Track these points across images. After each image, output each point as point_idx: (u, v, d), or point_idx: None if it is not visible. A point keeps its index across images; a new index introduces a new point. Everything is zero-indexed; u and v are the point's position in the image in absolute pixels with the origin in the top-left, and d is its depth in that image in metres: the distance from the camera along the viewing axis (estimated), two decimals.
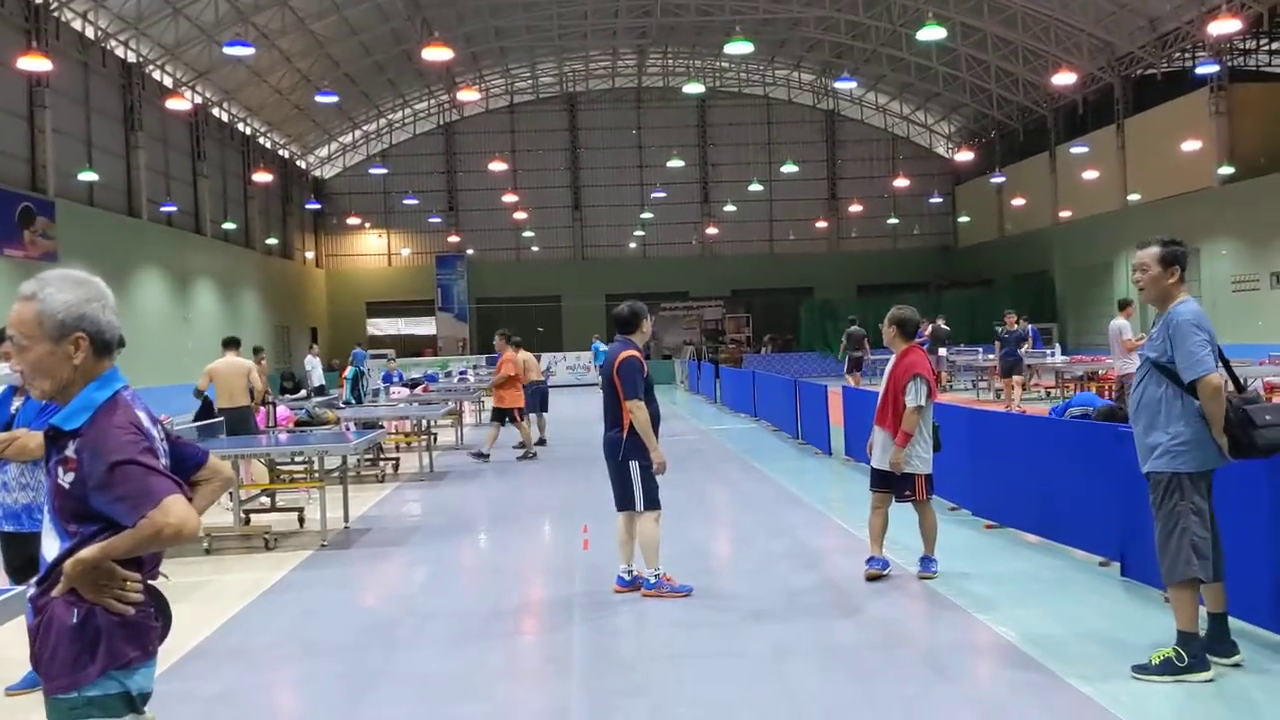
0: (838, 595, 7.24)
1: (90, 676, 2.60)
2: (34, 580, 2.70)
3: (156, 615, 2.74)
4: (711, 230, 50.16)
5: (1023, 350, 19.95)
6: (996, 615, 6.54)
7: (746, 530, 10.04)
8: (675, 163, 44.58)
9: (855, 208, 49.16)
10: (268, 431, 13.07)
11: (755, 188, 47.32)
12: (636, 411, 7.13)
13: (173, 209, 33.40)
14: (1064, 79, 30.59)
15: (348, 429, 13.49)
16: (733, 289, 49.75)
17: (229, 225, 38.55)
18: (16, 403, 5.56)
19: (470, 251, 49.77)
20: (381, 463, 15.11)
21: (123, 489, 2.55)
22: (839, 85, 40.27)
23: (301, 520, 10.70)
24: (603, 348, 30.82)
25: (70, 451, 2.63)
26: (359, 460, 14.28)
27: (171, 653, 5.92)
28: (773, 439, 17.62)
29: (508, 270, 50.24)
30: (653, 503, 7.27)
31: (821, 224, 50.55)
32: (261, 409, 13.20)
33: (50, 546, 2.67)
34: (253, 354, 13.69)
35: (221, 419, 12.27)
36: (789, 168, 44.16)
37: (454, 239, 49.42)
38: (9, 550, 5.63)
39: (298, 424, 14.09)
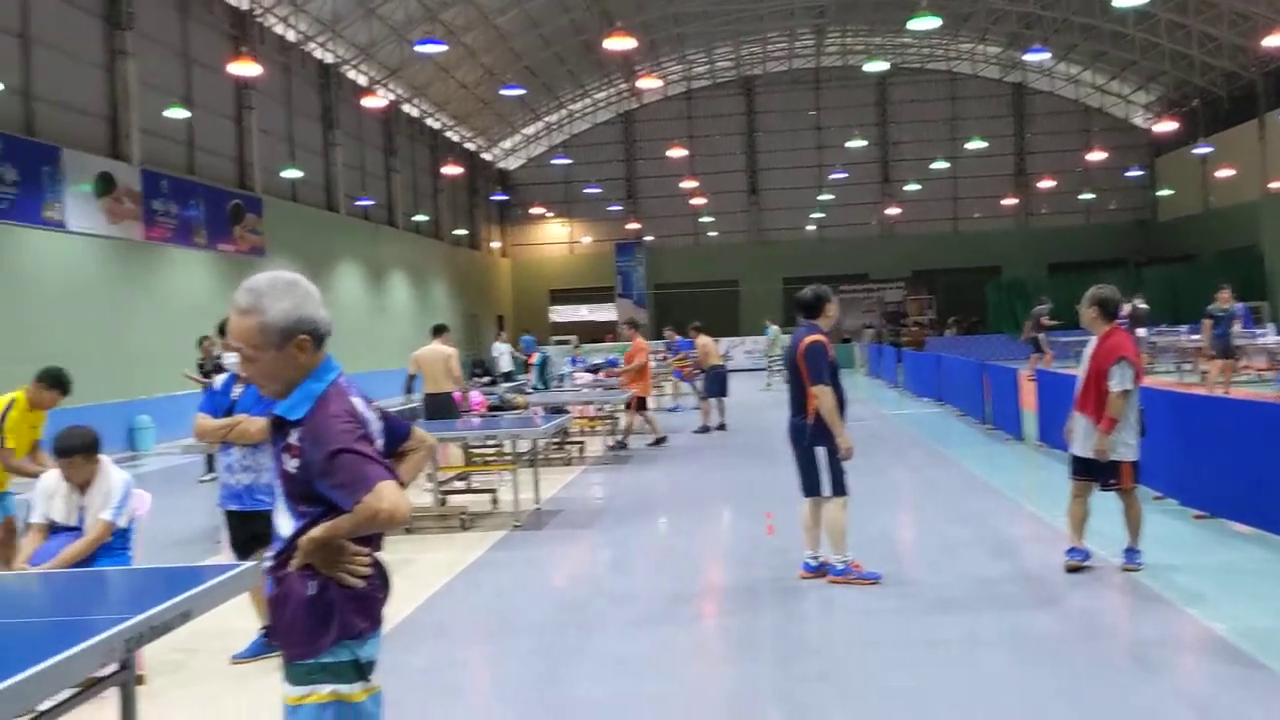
0: (1033, 585, 7.03)
1: (325, 645, 2.78)
2: (270, 553, 2.90)
3: (381, 587, 2.92)
4: (892, 210, 49.11)
5: (1233, 330, 18.81)
6: (1207, 609, 6.23)
7: (934, 517, 9.85)
8: (855, 142, 43.78)
9: (1045, 183, 47.26)
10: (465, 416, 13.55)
11: (938, 165, 46.05)
12: (822, 397, 7.08)
13: (368, 203, 34.90)
14: (1275, 41, 28.57)
15: (536, 414, 13.87)
16: (914, 269, 48.60)
17: (420, 218, 40.03)
18: (237, 390, 5.96)
19: (649, 238, 50.22)
20: (567, 446, 15.48)
21: (341, 476, 2.70)
22: (1029, 57, 38.70)
23: (495, 502, 11.06)
24: (774, 331, 30.41)
25: (294, 440, 2.80)
26: (547, 444, 14.65)
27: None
28: (959, 424, 17.19)
29: (685, 256, 50.48)
30: (840, 489, 7.22)
31: (1009, 201, 48.82)
32: (479, 396, 13.74)
33: (284, 524, 2.86)
34: (431, 335, 14.18)
35: (420, 403, 12.78)
36: (975, 144, 42.79)
37: (633, 226, 49.96)
38: (234, 528, 6.03)
39: (490, 409, 14.56)
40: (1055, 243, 47.86)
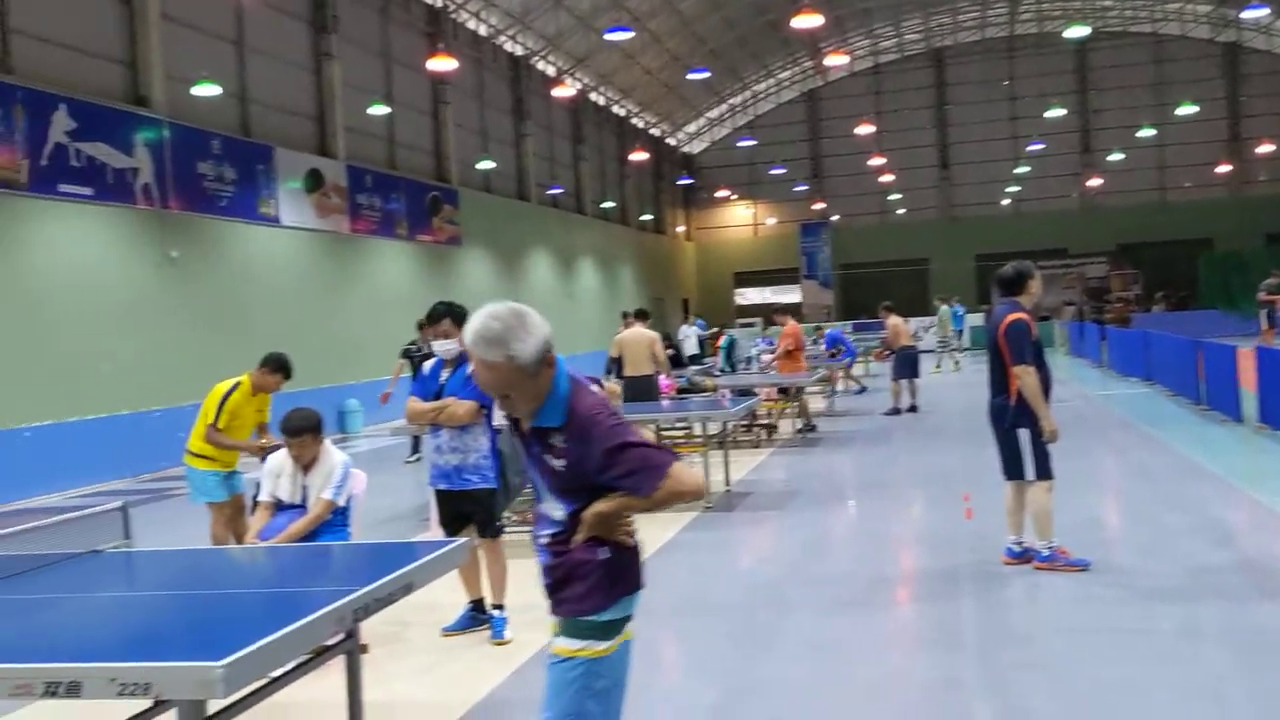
0: (1259, 576, 6.63)
1: (608, 603, 3.06)
2: (544, 532, 3.13)
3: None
4: (1093, 181, 46.82)
5: None
6: None
7: (1146, 503, 9.39)
8: (1053, 112, 41.88)
9: (1264, 148, 44.13)
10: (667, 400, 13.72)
11: (1144, 133, 43.61)
12: (1025, 377, 6.85)
13: (558, 191, 35.64)
14: None
15: (723, 396, 13.93)
16: (1118, 243, 46.19)
17: (607, 204, 40.62)
18: (445, 374, 6.21)
19: (834, 217, 49.48)
20: (755, 429, 15.46)
21: (627, 467, 2.93)
22: (1246, 14, 36.21)
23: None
24: (944, 310, 29.12)
25: (559, 443, 3.01)
26: (735, 426, 14.67)
27: None
28: (1170, 405, 16.32)
29: (872, 235, 49.49)
30: (1045, 472, 6.98)
31: (1222, 169, 45.84)
32: (667, 380, 13.90)
33: (555, 510, 3.09)
34: (621, 319, 14.39)
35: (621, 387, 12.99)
36: (1184, 109, 40.32)
37: (818, 206, 49.33)
38: (443, 506, 6.29)
39: (679, 391, 14.69)
40: (1274, 212, 44.68)
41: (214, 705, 3.34)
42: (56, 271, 14.94)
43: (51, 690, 2.88)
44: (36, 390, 14.32)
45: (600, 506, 2.99)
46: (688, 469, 2.97)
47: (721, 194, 50.65)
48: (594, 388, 3.14)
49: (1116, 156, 45.77)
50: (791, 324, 16.37)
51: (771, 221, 51.46)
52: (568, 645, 3.06)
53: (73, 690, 2.87)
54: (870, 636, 6.05)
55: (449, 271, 26.73)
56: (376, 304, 23.07)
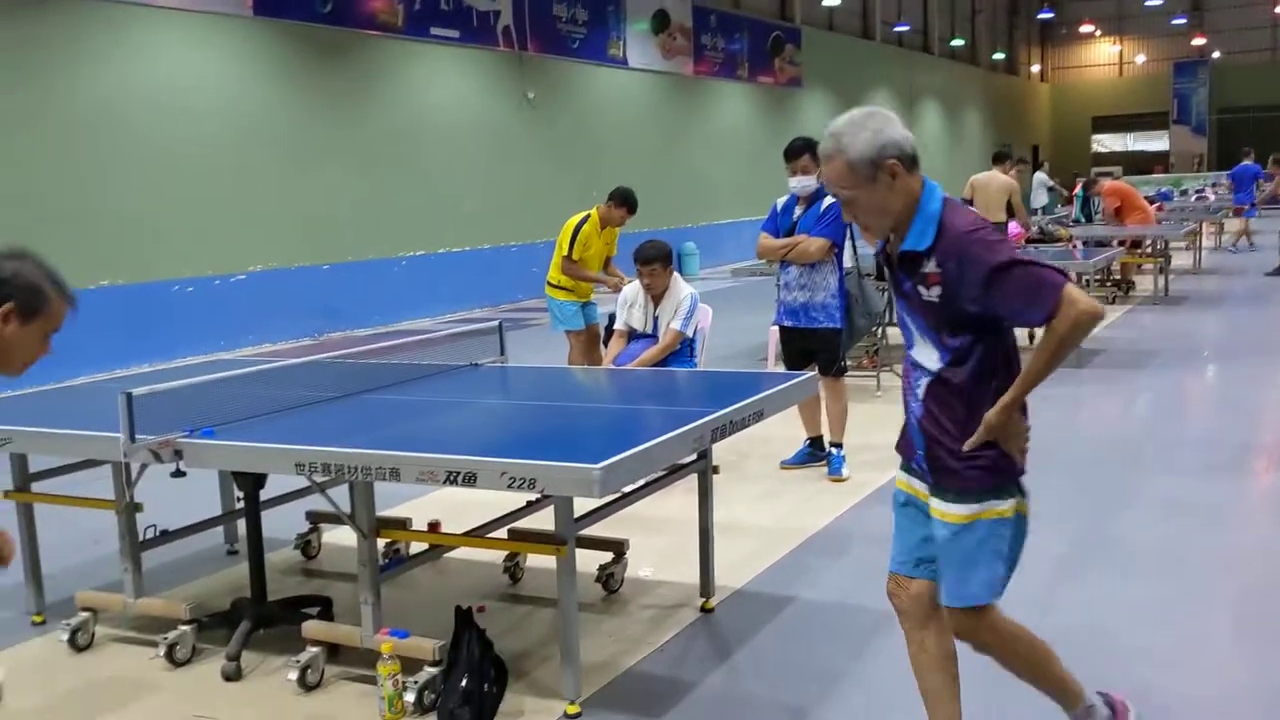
0: None
1: (1001, 483, 2.78)
2: (920, 381, 2.83)
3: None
4: None
5: None
6: None
7: None
8: None
9: None
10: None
11: None
12: None
13: (904, 28, 34.05)
14: None
15: (1075, 247, 13.25)
16: None
17: (956, 42, 38.43)
18: (798, 210, 6.21)
19: (1215, 55, 44.37)
20: (1109, 285, 14.53)
21: (1015, 286, 2.59)
22: None
23: (1031, 339, 10.71)
24: None
25: (930, 268, 2.71)
26: (1088, 280, 13.85)
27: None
28: None
29: (1259, 75, 43.97)
30: None
31: None
32: (1016, 227, 13.26)
33: (928, 357, 2.81)
34: (992, 162, 13.67)
35: None
36: None
37: (1198, 41, 44.33)
38: (788, 343, 6.39)
39: (1028, 241, 14.00)
40: None
41: (580, 507, 3.62)
42: (427, 111, 16.04)
43: (451, 478, 3.23)
44: (410, 223, 15.63)
45: (992, 416, 2.67)
46: (1081, 291, 2.55)
47: (1086, 30, 46.51)
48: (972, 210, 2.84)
49: None
50: (1109, 183, 15.24)
51: (1140, 60, 46.89)
52: (959, 511, 2.78)
53: (469, 480, 3.21)
54: (1240, 502, 5.68)
55: (788, 114, 26.39)
56: (715, 147, 23.23)
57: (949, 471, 2.78)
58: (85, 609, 4.28)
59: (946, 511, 2.79)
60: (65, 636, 4.19)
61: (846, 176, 2.74)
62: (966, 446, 2.72)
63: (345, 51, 14.62)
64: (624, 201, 7.93)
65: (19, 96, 10.86)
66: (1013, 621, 2.89)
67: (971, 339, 2.72)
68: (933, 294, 2.72)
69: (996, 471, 2.75)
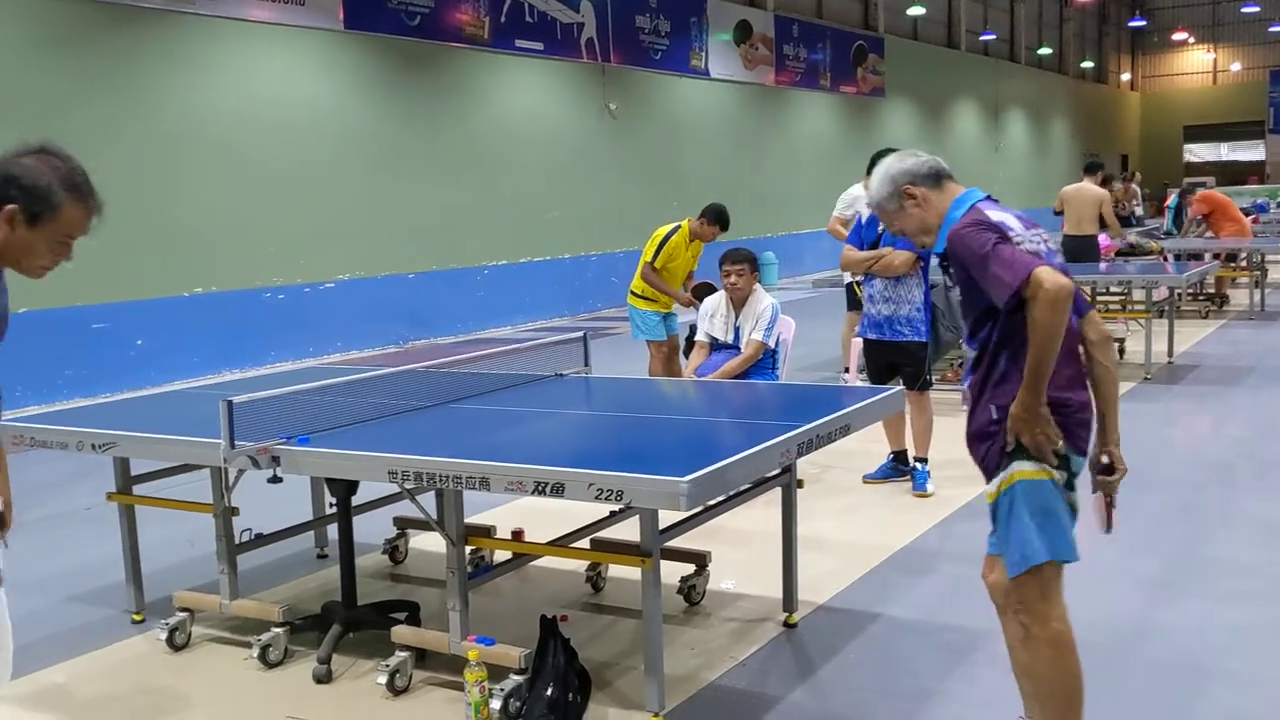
0: None
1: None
2: (966, 380, 3.07)
3: (1085, 423, 2.97)
4: None
5: None
6: None
7: None
8: None
9: None
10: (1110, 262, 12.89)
11: None
12: None
13: (990, 37, 33.58)
14: None
15: (1166, 260, 12.98)
16: None
17: (1043, 51, 37.78)
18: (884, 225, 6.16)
19: None
20: (1202, 299, 14.18)
21: (991, 271, 2.80)
22: None
23: (1121, 352, 10.49)
24: None
25: (952, 268, 3.03)
26: (1180, 294, 13.52)
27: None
28: None
29: None
30: None
31: None
32: (1106, 240, 13.00)
33: (969, 352, 3.06)
34: (1083, 173, 13.42)
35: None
36: None
37: None
38: (872, 356, 6.34)
39: (1117, 254, 13.73)
40: None
41: (664, 519, 3.62)
42: (511, 122, 16.23)
43: (539, 489, 3.26)
44: (492, 233, 15.81)
45: (1012, 410, 2.82)
46: (1051, 272, 2.71)
47: (1178, 37, 45.40)
48: (998, 209, 2.95)
49: None
50: (1200, 192, 14.84)
51: (1235, 68, 45.64)
52: (988, 488, 2.99)
53: (556, 490, 3.23)
54: None
55: (870, 124, 26.18)
56: (796, 157, 23.13)
57: (980, 457, 3.01)
58: (183, 609, 4.41)
59: (988, 492, 3.00)
60: (163, 635, 4.32)
61: (885, 215, 3.15)
62: (1008, 440, 2.87)
63: (432, 64, 14.86)
64: (717, 219, 7.95)
65: (116, 109, 11.21)
66: (1073, 647, 2.95)
67: (989, 332, 2.93)
68: (955, 291, 3.04)
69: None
